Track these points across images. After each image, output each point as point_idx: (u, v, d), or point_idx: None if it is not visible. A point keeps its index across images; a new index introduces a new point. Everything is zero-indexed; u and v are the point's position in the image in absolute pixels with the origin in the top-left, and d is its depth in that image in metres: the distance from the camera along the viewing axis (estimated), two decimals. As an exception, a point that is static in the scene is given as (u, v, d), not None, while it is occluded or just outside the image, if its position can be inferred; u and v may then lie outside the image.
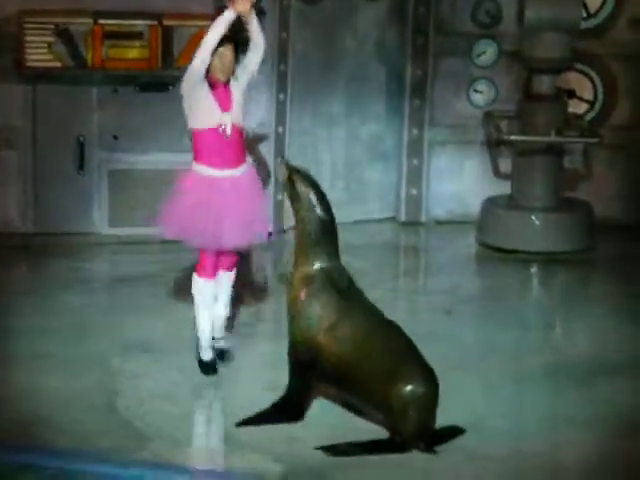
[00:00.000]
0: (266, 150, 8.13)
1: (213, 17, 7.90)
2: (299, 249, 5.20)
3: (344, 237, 8.16)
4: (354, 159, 8.59)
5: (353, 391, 5.04)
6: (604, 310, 6.86)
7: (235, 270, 5.74)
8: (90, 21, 7.63)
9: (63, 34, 7.61)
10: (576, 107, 8.45)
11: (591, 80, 8.50)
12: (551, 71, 7.92)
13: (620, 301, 7.02)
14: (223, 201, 5.50)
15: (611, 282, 7.51)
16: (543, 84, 7.95)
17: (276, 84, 8.14)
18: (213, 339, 5.71)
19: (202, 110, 5.47)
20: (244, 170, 5.58)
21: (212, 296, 5.65)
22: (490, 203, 8.22)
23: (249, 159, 5.69)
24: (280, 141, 8.24)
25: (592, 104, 8.52)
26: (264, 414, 5.12)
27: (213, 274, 5.63)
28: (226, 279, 5.72)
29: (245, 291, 6.55)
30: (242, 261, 5.94)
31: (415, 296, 7.36)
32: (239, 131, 5.56)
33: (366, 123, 8.60)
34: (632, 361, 5.99)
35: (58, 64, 7.63)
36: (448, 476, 4.75)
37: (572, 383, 5.71)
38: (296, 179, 5.20)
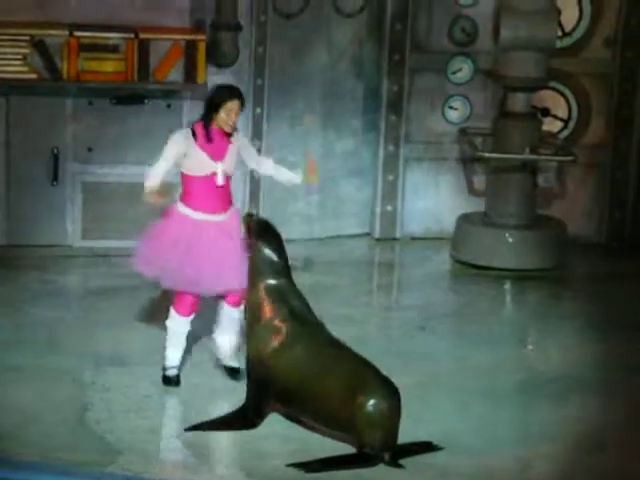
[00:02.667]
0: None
1: (189, 31, 7.97)
2: (250, 278, 5.35)
3: (318, 252, 8.28)
4: (329, 174, 8.59)
5: (309, 410, 5.08)
6: (576, 327, 6.89)
7: (242, 307, 5.63)
8: (66, 33, 7.61)
9: (38, 46, 7.58)
10: (550, 125, 8.49)
11: (565, 98, 8.55)
12: (526, 89, 7.96)
13: (592, 318, 7.05)
14: (205, 246, 5.51)
15: (583, 299, 7.53)
16: (518, 102, 7.98)
17: (253, 98, 8.14)
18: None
19: (193, 160, 5.56)
20: (229, 215, 5.62)
21: (185, 333, 5.66)
22: (464, 220, 8.24)
23: (234, 205, 5.72)
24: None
25: (566, 122, 8.57)
26: (216, 421, 5.15)
27: (190, 313, 5.63)
28: (234, 313, 5.65)
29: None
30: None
31: (389, 312, 7.36)
32: (228, 178, 5.63)
33: (342, 138, 8.61)
34: (603, 378, 6.02)
35: (33, 76, 7.60)
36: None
37: (544, 400, 5.73)
38: (255, 232, 5.39)
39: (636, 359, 6.33)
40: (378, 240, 8.60)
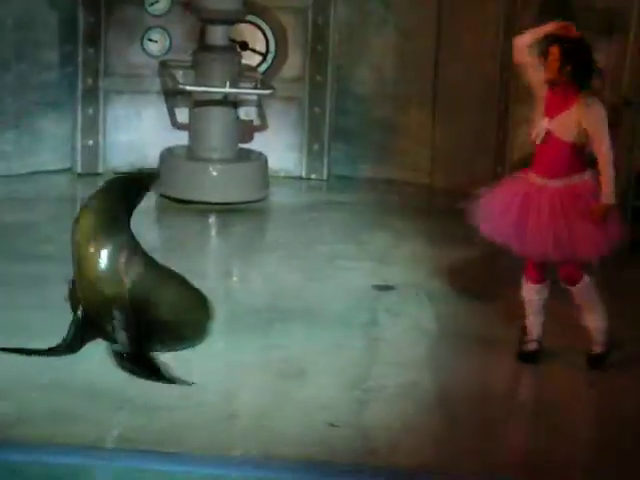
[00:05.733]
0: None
1: None
2: None
3: (16, 190, 7.97)
4: (25, 108, 8.27)
5: None
6: (279, 257, 7.07)
7: (580, 285, 5.42)
8: None
9: None
10: (250, 59, 8.57)
11: (263, 32, 8.64)
12: (224, 22, 7.98)
13: (294, 248, 7.26)
14: (530, 208, 5.30)
15: (285, 230, 7.73)
16: (216, 35, 7.99)
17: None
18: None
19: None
20: (562, 183, 5.28)
21: (539, 300, 5.52)
22: (168, 154, 8.21)
23: (579, 175, 5.30)
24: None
25: (265, 56, 8.67)
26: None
27: (537, 280, 5.49)
28: (576, 293, 5.46)
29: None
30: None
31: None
32: (561, 143, 5.23)
33: (37, 71, 8.29)
34: (304, 307, 6.23)
35: None
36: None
37: (248, 330, 5.86)
38: None
39: (340, 284, 6.59)
40: (80, 175, 8.42)
